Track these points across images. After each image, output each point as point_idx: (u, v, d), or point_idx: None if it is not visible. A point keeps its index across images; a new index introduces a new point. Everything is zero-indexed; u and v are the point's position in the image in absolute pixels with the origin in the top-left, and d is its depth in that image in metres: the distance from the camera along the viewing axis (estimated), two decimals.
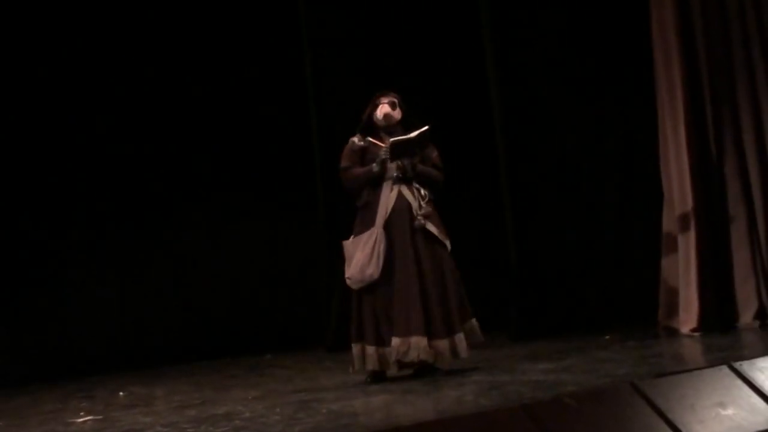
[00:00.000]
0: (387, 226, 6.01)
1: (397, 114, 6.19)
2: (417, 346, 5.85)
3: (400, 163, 6.06)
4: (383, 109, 6.16)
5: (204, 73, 9.07)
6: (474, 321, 6.14)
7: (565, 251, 8.15)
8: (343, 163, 6.20)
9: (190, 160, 9.01)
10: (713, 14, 7.08)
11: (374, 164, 6.07)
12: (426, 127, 6.07)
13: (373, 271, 5.95)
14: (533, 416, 4.18)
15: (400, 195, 6.07)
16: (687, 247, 7.11)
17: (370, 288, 6.00)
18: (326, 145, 8.44)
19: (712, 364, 4.99)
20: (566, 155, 8.24)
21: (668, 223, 7.33)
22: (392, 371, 6.03)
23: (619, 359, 5.91)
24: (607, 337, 7.10)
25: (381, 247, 5.96)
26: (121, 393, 7.02)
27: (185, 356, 8.65)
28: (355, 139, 6.21)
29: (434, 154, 6.23)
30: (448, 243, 6.14)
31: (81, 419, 5.89)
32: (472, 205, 8.80)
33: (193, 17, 9.08)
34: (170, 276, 8.96)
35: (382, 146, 6.10)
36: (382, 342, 5.98)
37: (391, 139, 6.05)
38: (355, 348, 6.05)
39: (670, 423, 4.23)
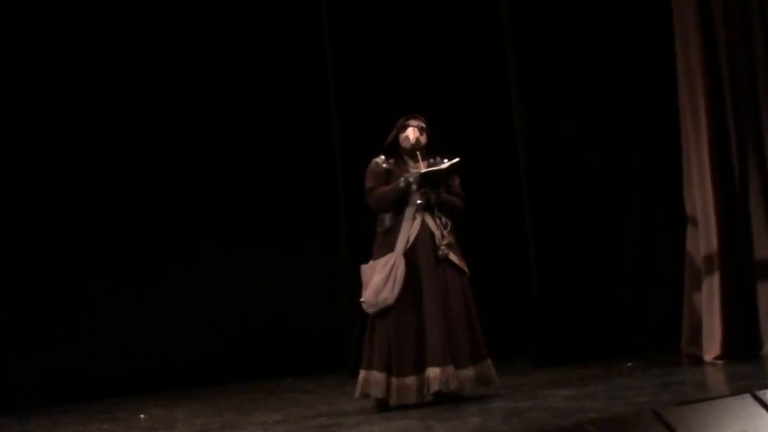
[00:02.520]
0: (408, 253, 5.98)
1: (423, 139, 6.18)
2: (455, 376, 5.84)
3: (425, 191, 6.05)
4: (414, 133, 6.13)
5: (231, 97, 9.14)
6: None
7: (587, 277, 8.11)
8: (369, 184, 6.15)
9: (213, 183, 9.05)
10: (736, 27, 7.04)
11: (401, 180, 6.04)
12: (457, 159, 6.06)
13: (388, 295, 5.91)
14: None
15: (423, 224, 6.04)
16: (711, 273, 7.05)
17: (385, 314, 5.95)
18: (348, 171, 8.45)
19: (735, 392, 4.94)
20: (588, 177, 8.19)
21: (692, 248, 7.27)
22: (394, 401, 5.90)
23: (641, 386, 5.87)
24: (630, 364, 7.05)
25: (399, 272, 5.93)
26: (142, 415, 7.03)
27: (206, 379, 8.67)
28: (379, 161, 6.18)
29: (456, 182, 6.21)
30: (467, 270, 6.13)
31: None
32: (493, 230, 8.78)
33: (217, 33, 9.15)
34: (191, 299, 8.98)
35: (409, 170, 6.10)
36: (390, 370, 5.90)
37: (423, 171, 6.03)
38: (363, 373, 5.99)
39: None
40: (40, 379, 8.39)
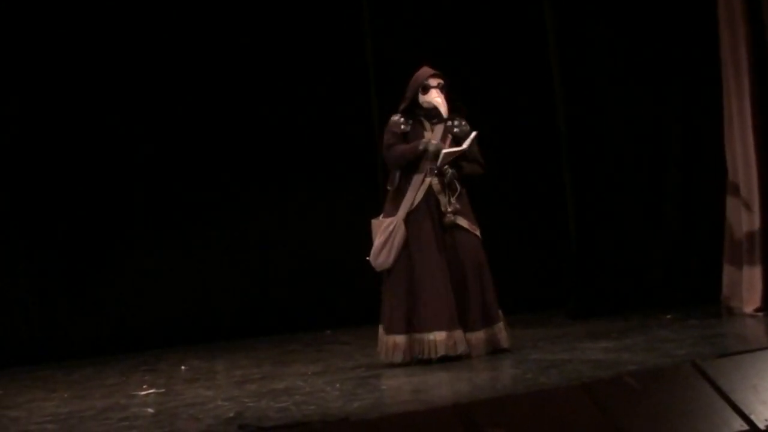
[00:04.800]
0: (410, 218, 5.93)
1: (444, 101, 6.00)
2: (462, 339, 5.82)
3: (444, 168, 5.91)
4: (436, 96, 5.96)
5: (269, 59, 9.11)
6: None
7: (625, 230, 8.08)
8: (387, 140, 6.07)
9: (257, 138, 9.06)
10: None
11: (421, 143, 5.93)
12: (474, 133, 5.96)
13: (384, 260, 5.93)
14: (593, 395, 4.16)
15: (429, 189, 5.95)
16: (751, 227, 7.00)
17: (390, 275, 5.96)
18: (386, 125, 8.42)
19: None
20: (628, 134, 8.13)
21: (731, 203, 7.21)
22: (383, 358, 5.92)
23: (680, 339, 5.85)
24: (669, 316, 7.04)
25: (397, 238, 5.90)
26: (182, 367, 7.12)
27: (245, 331, 8.75)
28: (398, 120, 6.07)
29: (474, 145, 6.03)
30: (479, 233, 6.01)
31: (144, 392, 5.98)
32: (532, 184, 8.76)
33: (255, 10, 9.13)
34: (231, 252, 9.03)
35: (425, 134, 6.00)
36: (391, 330, 5.91)
37: (444, 150, 5.90)
38: (379, 329, 6.04)
39: (732, 403, 4.19)
40: (84, 331, 8.51)
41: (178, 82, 8.85)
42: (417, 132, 6.05)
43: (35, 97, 8.54)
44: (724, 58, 7.14)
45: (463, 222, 5.95)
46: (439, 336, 5.80)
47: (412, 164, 5.98)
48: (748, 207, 7.02)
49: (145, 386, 6.22)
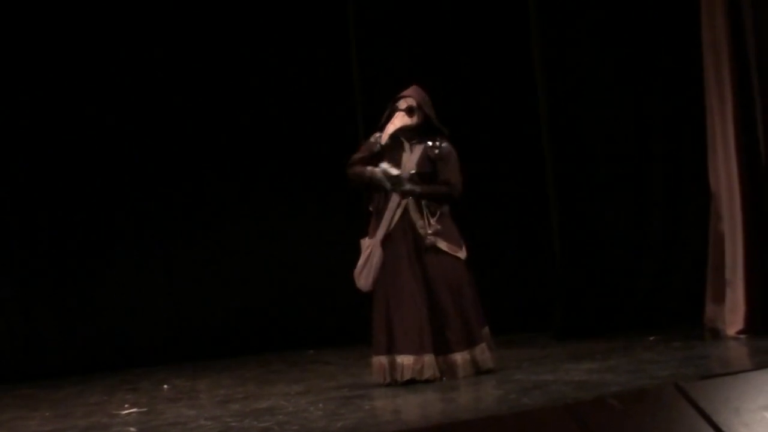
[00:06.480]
0: (387, 240, 5.92)
1: (414, 120, 5.97)
2: (431, 365, 5.80)
3: (406, 191, 5.89)
4: (395, 121, 5.96)
5: (256, 74, 9.14)
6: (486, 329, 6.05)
7: (610, 250, 8.09)
8: (353, 157, 6.08)
9: (237, 157, 9.07)
10: (764, 10, 6.96)
11: (379, 171, 5.90)
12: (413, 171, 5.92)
13: (364, 282, 5.94)
14: (576, 416, 4.15)
15: (405, 212, 5.93)
16: (734, 247, 7.02)
17: (373, 296, 5.97)
18: None
19: (759, 366, 4.93)
20: (612, 151, 8.16)
21: (715, 222, 7.23)
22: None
23: (663, 360, 5.86)
24: (652, 338, 7.04)
25: (374, 260, 5.90)
26: (165, 386, 7.09)
27: (228, 350, 8.73)
28: (376, 138, 6.04)
29: (448, 166, 5.98)
30: (461, 255, 5.96)
31: (126, 411, 5.95)
32: (516, 203, 8.78)
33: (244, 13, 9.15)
34: (214, 271, 9.03)
35: (403, 153, 5.98)
36: (374, 350, 5.92)
37: (393, 173, 5.86)
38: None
39: (714, 426, 4.18)
40: (67, 349, 8.49)
41: (164, 101, 8.87)
42: (397, 152, 6.04)
43: (22, 109, 8.53)
44: (708, 78, 7.18)
45: (442, 244, 5.91)
46: (406, 360, 5.78)
47: (372, 187, 6.00)
48: (731, 229, 7.04)
49: (127, 405, 6.20)
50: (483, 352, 5.96)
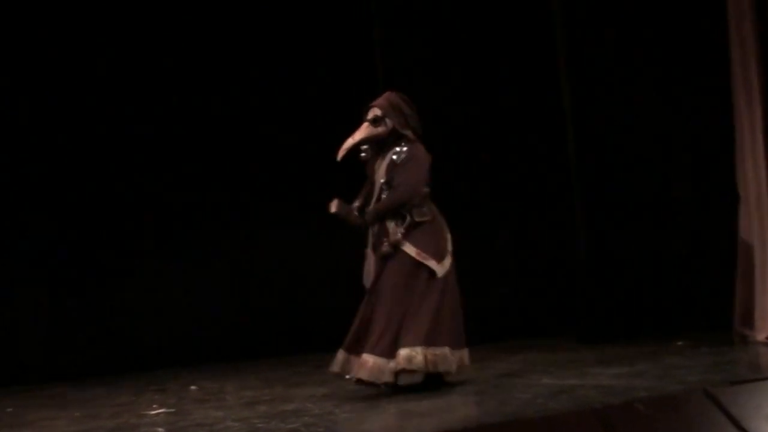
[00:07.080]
0: (374, 248, 5.98)
1: (380, 129, 5.94)
2: (339, 361, 5.84)
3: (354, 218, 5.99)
4: (356, 134, 5.96)
5: (265, 77, 9.15)
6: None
7: (637, 254, 8.06)
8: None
9: (256, 165, 9.09)
10: None
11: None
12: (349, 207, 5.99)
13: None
14: (604, 421, 4.14)
15: (382, 221, 5.94)
16: (764, 252, 6.97)
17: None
18: None
19: None
20: (639, 156, 8.13)
21: (744, 226, 7.19)
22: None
23: (692, 366, 5.82)
24: (680, 343, 7.00)
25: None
26: (192, 387, 7.12)
27: (254, 353, 8.75)
28: (362, 149, 6.02)
29: (403, 170, 5.90)
30: (433, 264, 5.84)
31: (154, 412, 5.98)
32: (542, 208, 8.76)
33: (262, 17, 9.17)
34: (241, 273, 9.05)
35: (378, 164, 6.00)
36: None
37: (333, 211, 5.95)
38: None
39: None
40: (96, 350, 8.54)
41: (173, 109, 8.91)
42: (374, 162, 6.07)
43: (53, 116, 8.61)
44: (735, 81, 7.13)
45: (410, 249, 5.84)
46: (340, 354, 5.89)
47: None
48: (760, 234, 6.99)
49: (155, 406, 6.23)
50: (438, 357, 5.72)
